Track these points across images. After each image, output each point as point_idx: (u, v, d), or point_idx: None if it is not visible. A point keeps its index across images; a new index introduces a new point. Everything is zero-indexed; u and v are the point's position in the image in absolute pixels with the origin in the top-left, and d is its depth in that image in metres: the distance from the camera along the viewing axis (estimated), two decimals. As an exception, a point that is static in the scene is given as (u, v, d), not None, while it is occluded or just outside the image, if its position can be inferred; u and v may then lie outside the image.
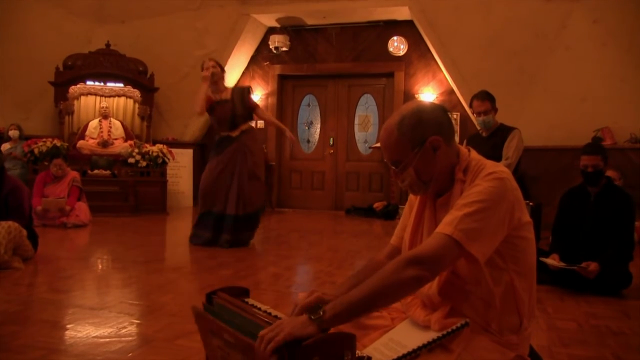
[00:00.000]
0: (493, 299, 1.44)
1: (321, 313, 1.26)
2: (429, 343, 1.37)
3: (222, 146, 4.96)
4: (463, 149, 1.57)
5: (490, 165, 1.49)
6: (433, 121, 1.51)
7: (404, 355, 1.34)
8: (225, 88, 5.03)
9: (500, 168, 1.47)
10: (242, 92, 5.02)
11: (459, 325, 1.39)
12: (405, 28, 8.42)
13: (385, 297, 1.35)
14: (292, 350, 1.16)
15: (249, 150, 4.94)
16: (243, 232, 4.98)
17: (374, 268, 1.63)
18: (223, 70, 5.02)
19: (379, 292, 1.32)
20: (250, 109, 5.03)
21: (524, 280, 1.48)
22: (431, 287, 1.48)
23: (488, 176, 1.44)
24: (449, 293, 1.47)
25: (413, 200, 1.69)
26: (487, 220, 1.37)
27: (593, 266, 3.36)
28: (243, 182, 4.89)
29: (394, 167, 1.53)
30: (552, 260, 3.58)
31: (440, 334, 1.39)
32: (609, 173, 4.73)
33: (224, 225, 4.90)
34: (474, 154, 1.56)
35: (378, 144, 8.43)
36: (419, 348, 1.36)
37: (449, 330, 1.39)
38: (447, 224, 1.38)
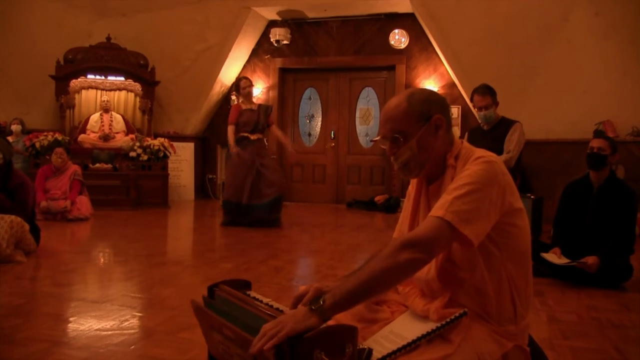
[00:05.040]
0: (486, 286, 1.45)
1: (321, 302, 1.27)
2: (428, 333, 1.38)
3: (243, 145, 6.02)
4: (457, 139, 1.60)
5: (479, 151, 1.52)
6: (440, 102, 1.59)
7: (404, 347, 1.35)
8: (253, 102, 6.28)
9: (489, 153, 1.50)
10: (267, 109, 6.26)
11: (457, 314, 1.39)
12: (406, 21, 8.39)
13: (383, 282, 1.35)
14: (294, 344, 1.17)
15: (263, 153, 6.18)
16: (272, 214, 6.02)
17: None
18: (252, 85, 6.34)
19: (377, 277, 1.32)
20: (269, 124, 6.24)
21: (518, 267, 1.49)
22: (429, 272, 1.49)
23: (477, 160, 1.46)
24: (445, 280, 1.48)
25: (410, 191, 1.71)
26: (478, 202, 1.38)
27: (592, 260, 3.36)
28: (264, 177, 5.96)
29: (396, 136, 1.54)
30: (552, 256, 3.58)
31: (439, 324, 1.39)
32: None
33: (248, 211, 5.94)
34: (465, 143, 1.59)
35: (379, 137, 8.41)
36: (418, 339, 1.37)
37: (448, 320, 1.39)
38: (439, 208, 1.39)
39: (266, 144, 6.38)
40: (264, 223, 5.94)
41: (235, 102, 6.27)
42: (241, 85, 6.19)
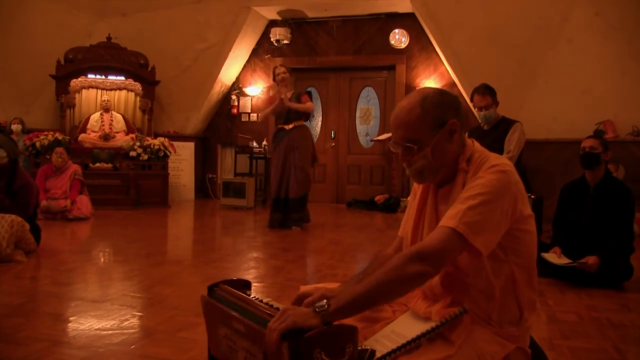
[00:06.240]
0: (493, 291, 1.44)
1: (326, 306, 1.27)
2: (428, 332, 1.37)
3: (277, 139, 5.94)
4: (468, 139, 1.56)
5: (493, 157, 1.48)
6: (454, 104, 1.52)
7: (404, 345, 1.35)
8: (291, 89, 6.01)
9: (503, 161, 1.46)
10: (298, 95, 5.97)
11: (457, 312, 1.39)
12: (406, 21, 8.40)
13: (389, 293, 1.35)
14: (295, 339, 1.17)
15: (296, 145, 5.83)
16: (293, 213, 5.89)
17: (382, 263, 1.62)
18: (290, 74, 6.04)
19: (383, 288, 1.32)
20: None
21: (525, 272, 1.48)
22: (433, 278, 1.48)
23: (491, 169, 1.42)
24: (450, 285, 1.48)
25: (416, 189, 1.68)
26: (490, 214, 1.36)
27: (592, 260, 3.37)
28: (291, 173, 5.83)
29: (409, 145, 1.48)
30: (553, 255, 3.59)
31: (439, 323, 1.39)
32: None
33: (286, 206, 5.89)
34: (477, 145, 1.55)
35: (380, 137, 8.42)
36: (418, 337, 1.36)
37: (448, 318, 1.39)
38: (451, 218, 1.36)
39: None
40: (293, 222, 5.87)
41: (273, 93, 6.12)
42: (275, 72, 6.05)
